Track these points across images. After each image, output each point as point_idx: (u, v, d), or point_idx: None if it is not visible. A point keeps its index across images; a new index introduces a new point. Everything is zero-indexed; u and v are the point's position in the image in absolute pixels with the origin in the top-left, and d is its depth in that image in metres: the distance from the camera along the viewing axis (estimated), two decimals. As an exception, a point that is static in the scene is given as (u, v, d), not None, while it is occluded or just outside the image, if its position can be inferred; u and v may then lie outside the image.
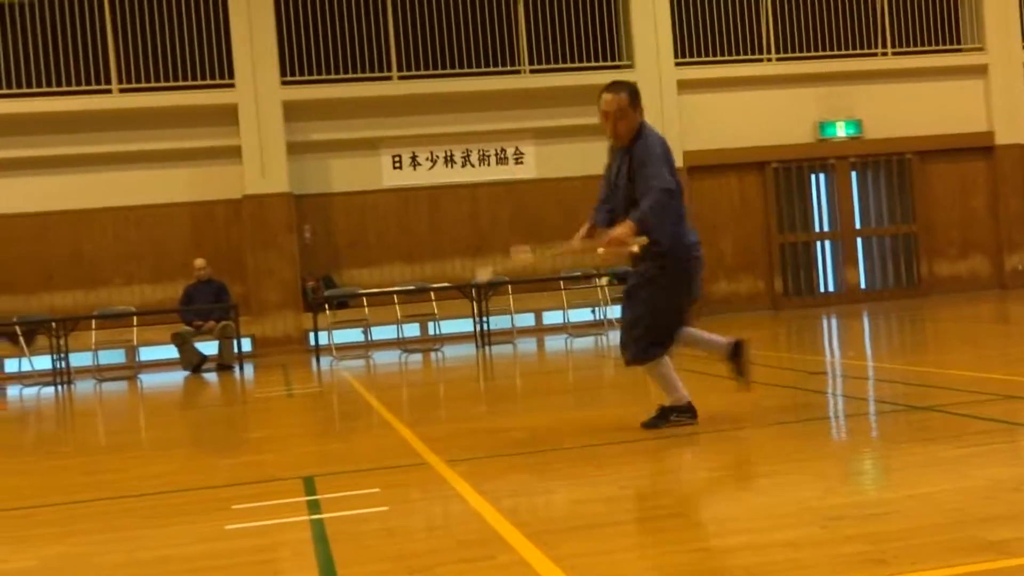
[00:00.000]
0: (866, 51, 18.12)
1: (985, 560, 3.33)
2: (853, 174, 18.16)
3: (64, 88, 15.95)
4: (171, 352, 14.80)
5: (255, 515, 4.84)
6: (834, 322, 14.40)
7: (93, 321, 14.81)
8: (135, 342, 15.06)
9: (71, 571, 4.17)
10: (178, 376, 13.97)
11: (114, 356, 15.54)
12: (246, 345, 15.38)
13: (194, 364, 14.31)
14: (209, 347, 14.60)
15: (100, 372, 14.44)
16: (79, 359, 14.62)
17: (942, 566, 3.30)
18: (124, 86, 16.08)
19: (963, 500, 4.10)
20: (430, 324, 16.09)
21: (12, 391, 13.65)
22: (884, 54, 18.13)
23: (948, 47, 18.47)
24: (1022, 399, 6.43)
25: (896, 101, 18.04)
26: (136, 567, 4.14)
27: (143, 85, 16.11)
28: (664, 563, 3.68)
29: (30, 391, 13.38)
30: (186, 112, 16.14)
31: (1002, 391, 6.81)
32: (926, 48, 18.33)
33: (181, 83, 16.18)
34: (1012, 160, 18.32)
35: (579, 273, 16.68)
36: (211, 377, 13.55)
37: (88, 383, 13.85)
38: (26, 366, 14.57)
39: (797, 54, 17.90)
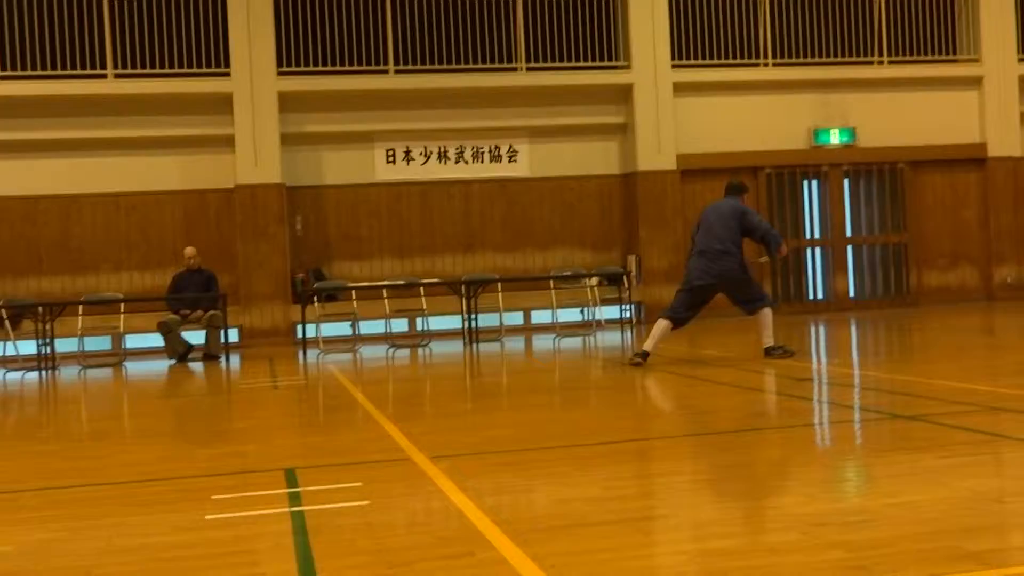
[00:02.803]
0: (862, 59, 18.14)
1: (964, 570, 3.33)
2: (846, 182, 18.17)
3: (59, 72, 15.87)
4: (158, 340, 14.75)
5: (235, 506, 4.83)
6: (822, 329, 14.42)
7: (80, 307, 14.75)
8: (121, 329, 15.00)
9: (49, 557, 4.15)
10: (163, 365, 13.93)
11: (100, 343, 15.47)
12: (233, 335, 15.34)
13: (180, 353, 14.26)
14: (196, 336, 14.56)
15: (85, 358, 14.39)
16: (65, 344, 14.56)
17: (922, 575, 3.30)
18: (119, 72, 16.01)
19: (944, 510, 4.10)
20: (418, 320, 16.07)
21: (-3, 374, 13.61)
22: (880, 63, 18.15)
23: (944, 58, 18.50)
24: (1006, 411, 6.44)
25: (891, 110, 18.07)
26: (114, 554, 4.12)
27: (138, 71, 16.05)
28: (646, 565, 3.68)
29: (14, 375, 13.33)
30: (181, 100, 16.09)
31: (986, 402, 6.82)
32: (922, 58, 18.35)
33: (176, 70, 16.11)
34: (1004, 172, 18.37)
35: (569, 273, 16.68)
36: (196, 366, 13.51)
37: (73, 369, 13.80)
38: (11, 350, 14.51)
39: (793, 60, 17.91)
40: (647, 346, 10.60)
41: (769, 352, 10.41)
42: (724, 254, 10.49)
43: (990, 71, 18.28)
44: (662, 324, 10.70)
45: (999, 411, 6.49)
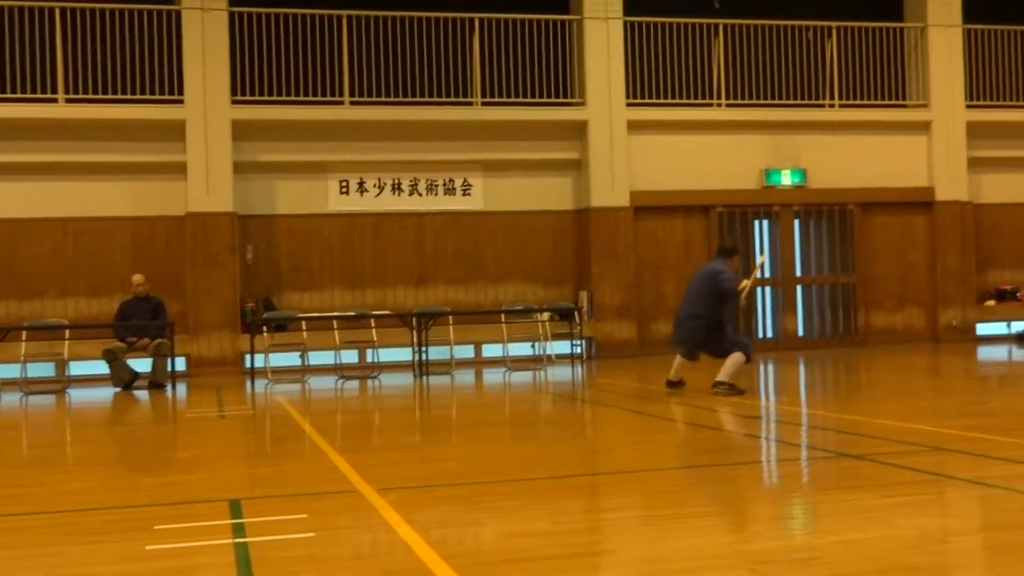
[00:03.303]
0: (814, 102, 18.39)
1: (909, 609, 3.35)
2: (796, 222, 18.37)
3: (8, 95, 15.71)
4: (103, 368, 14.54)
5: (178, 536, 4.75)
6: (770, 368, 14.51)
7: (24, 332, 14.53)
8: (66, 356, 14.79)
9: (-17, 586, 4.06)
10: (108, 392, 13.73)
11: (43, 369, 15.23)
12: (180, 364, 15.17)
13: (125, 381, 14.07)
14: (142, 364, 14.38)
15: (28, 385, 14.16)
16: (7, 371, 14.33)
17: (866, 614, 3.31)
18: (70, 96, 15.87)
19: (889, 548, 4.13)
20: (368, 351, 16.00)
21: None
22: (831, 106, 18.42)
23: (894, 102, 18.81)
24: (950, 451, 6.51)
25: (841, 152, 18.32)
26: (51, 584, 4.04)
27: (90, 96, 15.91)
28: (590, 600, 3.66)
29: (-45, 401, 13.08)
30: (132, 126, 15.96)
31: (931, 442, 6.88)
32: (872, 102, 18.65)
33: (129, 96, 15.99)
34: (951, 216, 18.65)
35: (520, 307, 16.69)
36: (142, 395, 13.33)
37: (14, 395, 13.57)
38: (-48, 375, 14.25)
39: (746, 101, 18.12)
40: (672, 376, 11.30)
41: (717, 385, 10.50)
42: (692, 318, 10.87)
43: (938, 116, 18.61)
44: (677, 359, 11.34)
45: (943, 451, 6.55)
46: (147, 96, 16.01)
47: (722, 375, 10.58)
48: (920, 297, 18.76)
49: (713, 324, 10.83)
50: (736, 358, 10.63)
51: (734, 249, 11.55)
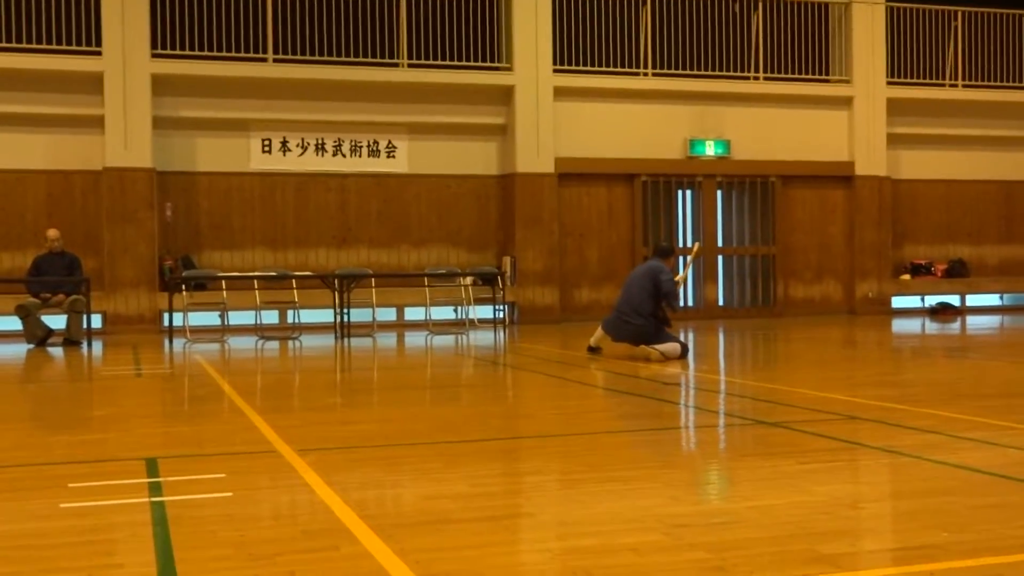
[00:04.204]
0: (739, 74, 18.53)
1: (818, 572, 3.42)
2: (719, 193, 18.55)
3: (-81, 41, 15.24)
4: (15, 324, 14.25)
5: (92, 494, 4.69)
6: (690, 335, 14.68)
7: (-66, 286, 14.18)
8: (-23, 311, 14.47)
9: None
10: (21, 349, 13.46)
11: (-46, 324, 14.90)
12: (96, 321, 14.92)
13: (39, 338, 13.80)
14: (57, 321, 14.10)
15: (-62, 340, 13.83)
16: (-84, 325, 13.99)
17: (778, 576, 3.37)
18: (-16, 44, 15.44)
19: (802, 514, 4.21)
20: (289, 312, 15.87)
21: None
22: (756, 78, 18.58)
23: (817, 77, 19.03)
24: (863, 420, 6.65)
25: (764, 125, 18.51)
26: (-40, 542, 3.96)
27: (4, 45, 15.47)
28: (509, 562, 3.68)
29: None
30: (48, 76, 15.56)
31: (845, 411, 7.02)
32: (796, 76, 18.84)
33: (45, 46, 15.57)
34: (870, 191, 18.97)
35: (443, 271, 16.66)
36: (56, 352, 13.09)
37: (-76, 350, 13.25)
38: None
39: (672, 71, 18.20)
40: (593, 343, 11.62)
41: (653, 360, 10.67)
42: (639, 316, 11.04)
43: (860, 92, 18.88)
44: (600, 329, 11.63)
45: (856, 420, 6.69)
46: (64, 47, 15.61)
47: (659, 349, 10.78)
48: (838, 270, 19.09)
49: (657, 321, 11.10)
50: (672, 347, 10.84)
51: (671, 249, 11.89)
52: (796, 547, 3.72)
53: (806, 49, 18.98)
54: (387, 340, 14.71)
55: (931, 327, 16.61)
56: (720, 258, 18.65)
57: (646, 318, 11.01)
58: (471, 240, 17.54)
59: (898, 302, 19.47)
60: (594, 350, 11.49)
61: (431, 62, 17.10)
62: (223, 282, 15.49)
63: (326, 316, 15.57)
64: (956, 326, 16.80)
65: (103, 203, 15.73)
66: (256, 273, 15.94)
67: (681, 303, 11.62)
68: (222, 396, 8.58)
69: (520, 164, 17.14)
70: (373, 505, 4.56)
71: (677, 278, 11.54)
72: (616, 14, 17.94)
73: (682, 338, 11.16)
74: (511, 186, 17.26)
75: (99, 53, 15.60)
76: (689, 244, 17.87)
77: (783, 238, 18.74)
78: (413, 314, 16.96)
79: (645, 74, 18.02)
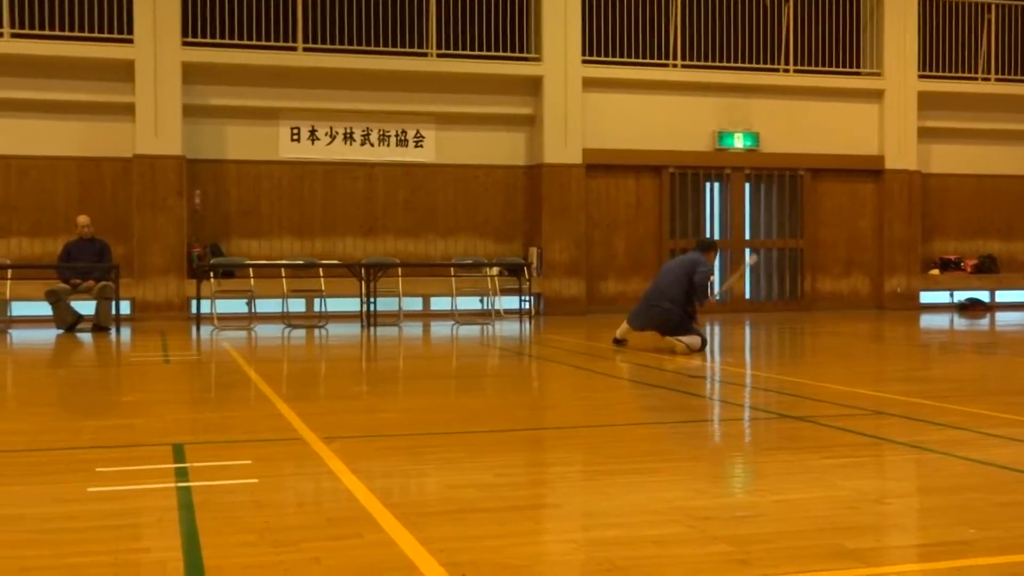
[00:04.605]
0: (768, 66, 18.43)
1: (843, 567, 3.41)
2: (747, 185, 18.46)
3: (-47, 27, 15.36)
4: (45, 309, 14.36)
5: (119, 479, 4.72)
6: (716, 329, 14.63)
7: (-35, 271, 14.30)
8: (8, 296, 14.58)
9: (-81, 524, 4.01)
10: (51, 334, 13.57)
11: (-15, 309, 15.03)
12: (125, 308, 15.01)
13: (68, 323, 13.90)
14: (86, 307, 14.20)
15: (-31, 324, 13.96)
16: (-53, 309, 14.11)
17: (802, 570, 3.36)
18: (16, 31, 15.53)
19: (827, 508, 4.19)
20: (316, 301, 15.93)
21: None
22: (786, 71, 18.47)
23: (847, 70, 18.90)
24: (888, 415, 6.61)
25: (793, 118, 18.40)
26: (-11, 524, 4.00)
27: (36, 32, 15.57)
28: (533, 552, 3.69)
29: None
30: (80, 64, 15.66)
31: (871, 406, 6.99)
32: (826, 68, 18.72)
33: (77, 33, 15.66)
34: (899, 185, 18.84)
35: (470, 261, 16.67)
36: (85, 338, 13.19)
37: (-45, 334, 13.37)
38: None
39: (702, 63, 18.12)
40: (619, 335, 11.54)
41: (678, 352, 10.67)
42: (670, 302, 11.00)
43: (891, 85, 18.74)
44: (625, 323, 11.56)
45: (882, 415, 6.65)
46: (95, 34, 15.69)
47: (683, 341, 10.76)
48: (866, 264, 18.98)
49: (685, 312, 11.03)
50: (694, 340, 10.80)
51: (712, 244, 11.89)
52: (821, 542, 3.70)
53: (837, 41, 18.85)
54: (413, 329, 14.74)
55: (960, 323, 16.49)
56: (747, 251, 18.57)
57: (675, 305, 10.96)
58: (498, 230, 17.54)
59: (926, 297, 19.33)
60: (619, 342, 11.46)
61: (460, 52, 17.09)
62: (251, 270, 15.55)
63: (353, 305, 15.61)
64: (985, 322, 16.67)
65: (133, 190, 15.82)
66: (283, 261, 16.00)
67: (710, 298, 11.47)
68: (248, 383, 8.62)
69: (548, 155, 17.12)
70: (397, 493, 4.58)
71: (727, 283, 11.70)
72: (646, 5, 17.87)
73: (706, 332, 11.12)
74: (538, 177, 17.24)
75: (131, 41, 15.68)
76: (709, 236, 17.77)
77: (811, 232, 18.64)
78: (439, 304, 16.98)
79: (674, 66, 17.95)
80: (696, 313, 11.28)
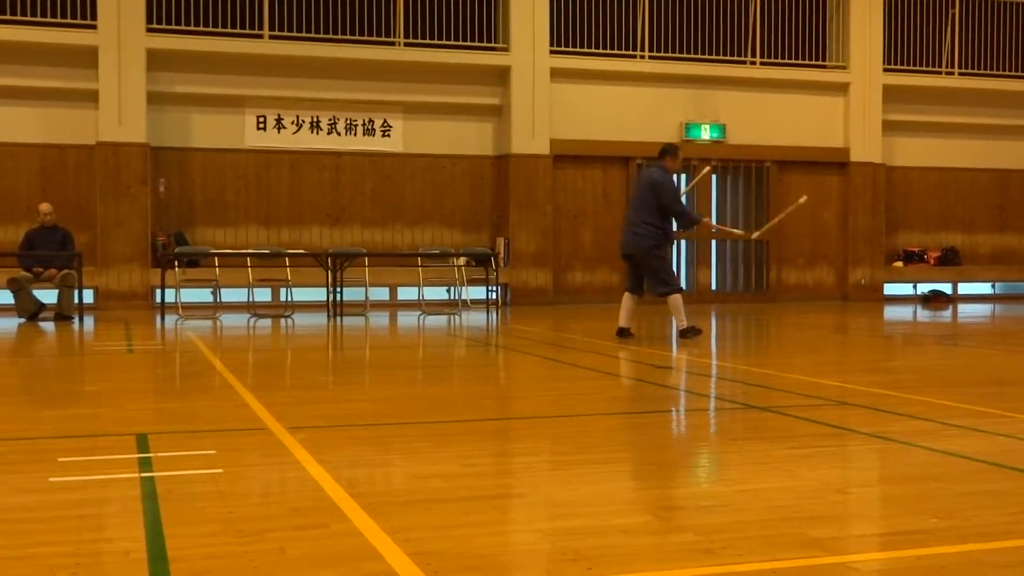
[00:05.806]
0: (735, 58, 18.51)
1: (807, 556, 3.43)
2: (714, 177, 18.53)
3: (-87, 12, 15.15)
4: (7, 298, 14.22)
5: (82, 469, 4.68)
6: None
7: (-75, 259, 14.13)
8: (-31, 284, 14.44)
9: None
10: (12, 323, 13.44)
11: (-55, 297, 14.87)
12: (88, 296, 14.89)
13: (30, 312, 13.78)
14: (48, 295, 14.07)
15: (-71, 312, 13.80)
16: (-93, 297, 13.95)
17: (766, 559, 3.38)
18: (-22, 16, 15.35)
19: (791, 498, 4.21)
20: (282, 290, 15.86)
21: None
22: (752, 63, 18.55)
23: (813, 63, 19.01)
24: (852, 406, 6.66)
25: (760, 110, 18.49)
26: (-51, 514, 3.95)
27: (-1, 17, 15.41)
28: (499, 541, 3.68)
29: None
30: (43, 49, 15.50)
31: (836, 397, 7.04)
32: (792, 61, 18.82)
33: (40, 19, 15.50)
34: (864, 177, 18.98)
35: (437, 251, 16.65)
36: (48, 326, 13.07)
37: (-85, 323, 13.22)
38: None
39: (669, 54, 18.17)
40: (622, 323, 11.13)
41: (684, 334, 10.82)
42: (641, 225, 10.87)
43: (856, 79, 18.86)
44: (624, 299, 11.24)
45: (846, 406, 6.70)
46: (59, 19, 15.53)
47: (678, 324, 10.91)
48: (831, 255, 19.11)
49: (660, 242, 10.94)
50: (675, 300, 10.84)
51: (672, 148, 11.37)
52: (785, 531, 3.72)
53: (803, 34, 18.96)
54: (380, 319, 14.70)
55: (923, 314, 16.63)
56: (713, 243, 18.65)
57: (649, 227, 10.85)
58: (465, 220, 17.53)
59: (890, 289, 19.51)
60: (624, 332, 11.16)
61: (427, 41, 17.05)
62: (216, 259, 15.46)
63: (319, 295, 15.54)
64: (948, 314, 16.82)
65: (96, 178, 15.69)
66: (249, 250, 15.92)
67: (695, 217, 11.36)
68: (213, 373, 8.57)
69: (515, 145, 17.11)
70: (363, 483, 4.56)
71: (763, 228, 12.51)
72: (614, -4, 17.89)
73: (686, 324, 11.04)
74: (506, 167, 17.24)
75: (94, 27, 15.53)
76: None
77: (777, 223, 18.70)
78: (406, 294, 16.96)
79: (642, 57, 17.99)
80: (673, 237, 11.28)
